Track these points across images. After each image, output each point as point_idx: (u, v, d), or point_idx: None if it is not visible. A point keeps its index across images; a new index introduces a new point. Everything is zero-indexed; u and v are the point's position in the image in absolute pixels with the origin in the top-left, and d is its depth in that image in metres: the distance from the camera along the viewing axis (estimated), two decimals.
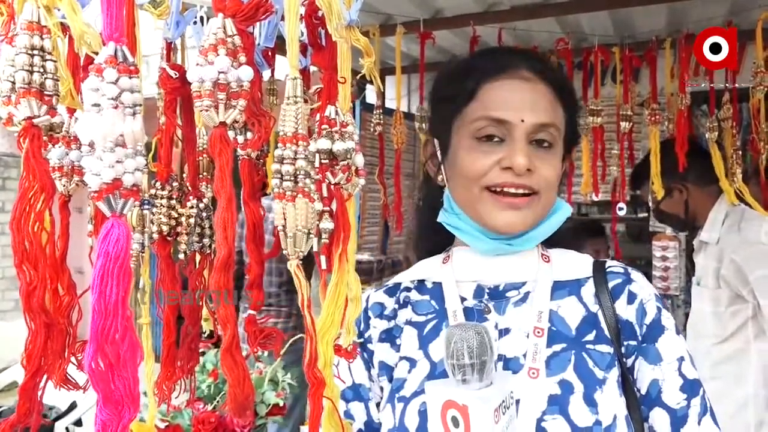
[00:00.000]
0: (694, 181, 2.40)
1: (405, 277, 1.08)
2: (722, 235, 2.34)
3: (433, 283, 1.05)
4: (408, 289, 1.07)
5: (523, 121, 0.94)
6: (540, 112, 0.96)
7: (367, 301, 1.07)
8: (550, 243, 1.05)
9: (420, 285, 1.07)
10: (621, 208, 2.52)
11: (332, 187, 0.60)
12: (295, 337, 0.73)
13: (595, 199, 2.97)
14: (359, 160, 0.62)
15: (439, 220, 1.03)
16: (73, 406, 2.34)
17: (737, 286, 2.26)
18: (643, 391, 0.94)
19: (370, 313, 1.05)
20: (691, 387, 0.94)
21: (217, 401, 1.93)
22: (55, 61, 0.57)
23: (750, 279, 2.21)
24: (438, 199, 1.05)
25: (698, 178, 2.39)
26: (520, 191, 0.94)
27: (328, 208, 0.60)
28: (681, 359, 0.95)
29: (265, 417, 1.99)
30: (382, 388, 1.01)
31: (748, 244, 2.25)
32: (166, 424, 1.71)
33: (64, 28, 0.62)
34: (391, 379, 0.99)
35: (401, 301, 1.06)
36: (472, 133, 0.97)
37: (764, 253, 2.20)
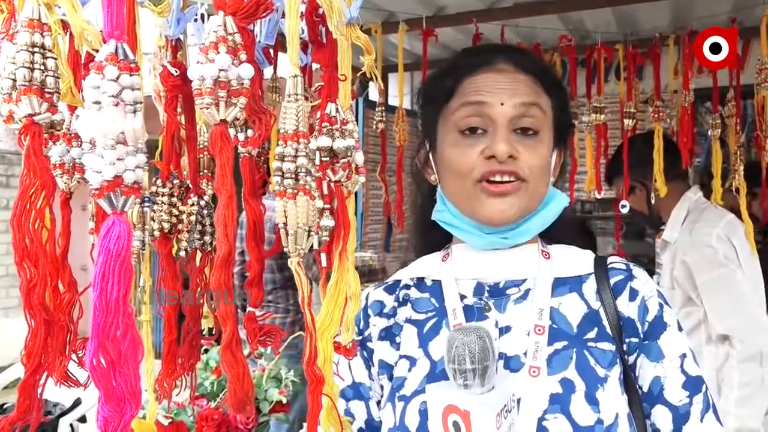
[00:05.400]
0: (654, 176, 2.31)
1: (404, 275, 1.07)
2: (679, 234, 2.29)
3: (433, 280, 1.05)
4: (407, 287, 1.06)
5: (502, 104, 0.94)
6: (521, 94, 0.96)
7: (366, 298, 1.07)
8: (550, 239, 1.05)
9: (419, 282, 1.06)
10: (624, 206, 2.50)
11: (332, 184, 0.60)
12: (295, 335, 0.73)
13: (598, 196, 2.96)
14: (359, 157, 0.62)
15: (433, 218, 1.03)
16: (77, 403, 2.35)
17: (687, 288, 2.23)
18: (645, 389, 0.94)
19: (369, 311, 1.05)
20: (694, 384, 0.94)
21: (220, 398, 1.93)
22: (55, 59, 0.57)
23: (697, 283, 2.18)
24: (431, 197, 1.05)
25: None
26: (506, 178, 0.94)
27: (328, 206, 0.60)
28: (683, 356, 0.95)
29: (268, 414, 1.99)
30: (382, 387, 1.01)
31: (698, 246, 2.20)
32: (170, 420, 1.71)
33: (65, 25, 0.62)
34: (391, 378, 0.99)
35: (401, 299, 1.05)
36: (455, 125, 0.97)
37: (712, 257, 2.16)
